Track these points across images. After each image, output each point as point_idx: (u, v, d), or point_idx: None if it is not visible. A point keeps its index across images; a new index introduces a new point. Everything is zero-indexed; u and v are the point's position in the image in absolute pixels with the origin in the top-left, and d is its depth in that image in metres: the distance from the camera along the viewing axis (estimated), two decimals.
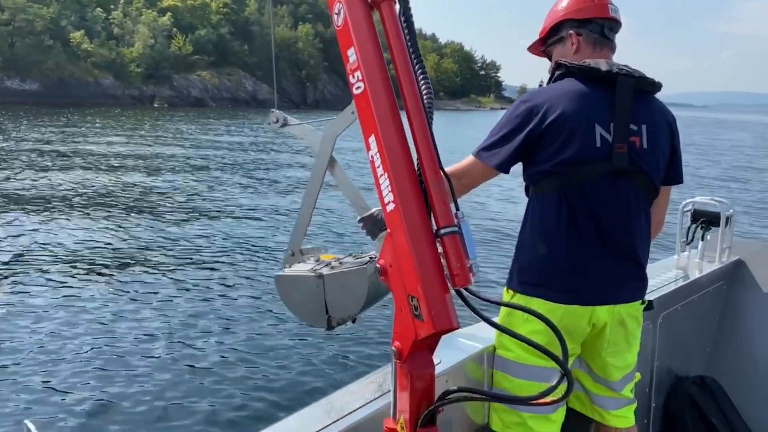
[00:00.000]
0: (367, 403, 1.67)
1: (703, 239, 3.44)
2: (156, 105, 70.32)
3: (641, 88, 1.92)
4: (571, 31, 2.03)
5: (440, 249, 1.40)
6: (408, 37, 1.53)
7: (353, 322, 1.95)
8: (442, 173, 1.44)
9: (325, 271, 1.92)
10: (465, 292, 1.35)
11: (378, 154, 1.46)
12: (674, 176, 2.06)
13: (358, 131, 1.54)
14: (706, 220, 3.46)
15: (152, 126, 38.50)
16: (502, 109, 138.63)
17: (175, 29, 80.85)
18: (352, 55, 1.55)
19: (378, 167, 1.46)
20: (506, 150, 1.91)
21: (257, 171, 19.75)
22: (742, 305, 3.49)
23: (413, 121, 1.46)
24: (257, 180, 17.75)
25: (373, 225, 1.95)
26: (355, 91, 1.53)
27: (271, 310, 6.99)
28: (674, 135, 2.03)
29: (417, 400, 1.41)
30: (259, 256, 9.64)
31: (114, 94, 69.46)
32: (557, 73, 1.99)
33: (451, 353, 1.96)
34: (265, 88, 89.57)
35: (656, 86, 1.95)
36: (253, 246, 10.23)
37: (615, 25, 2.03)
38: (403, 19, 1.53)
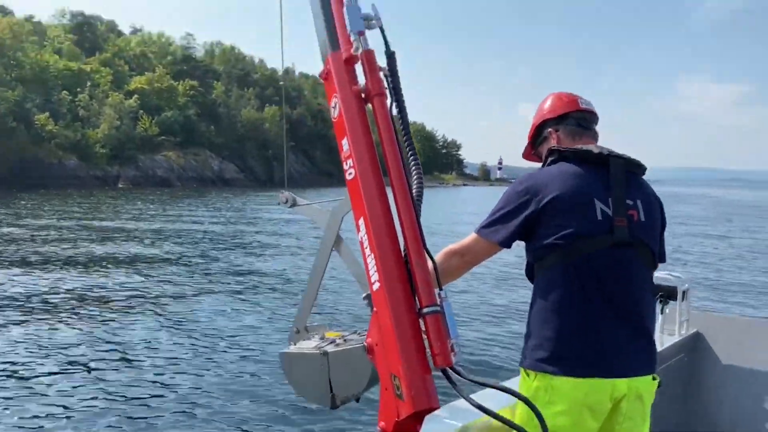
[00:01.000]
0: None
1: (662, 313, 3.52)
2: (121, 185, 69.83)
3: (630, 169, 2.06)
4: (550, 129, 2.23)
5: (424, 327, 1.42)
6: (402, 127, 1.65)
7: (357, 401, 1.94)
8: (426, 254, 1.51)
9: (330, 348, 1.94)
10: (450, 372, 1.35)
11: (366, 235, 1.56)
12: (659, 254, 2.13)
13: None
14: (663, 294, 3.54)
15: (113, 205, 38.15)
16: (464, 185, 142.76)
17: (141, 111, 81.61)
18: (345, 144, 1.68)
19: (366, 248, 1.56)
20: (507, 227, 1.99)
21: (235, 246, 19.65)
22: (704, 377, 3.56)
23: (400, 205, 1.53)
24: (235, 255, 17.66)
25: None
26: (348, 177, 1.66)
27: (273, 388, 6.93)
28: (663, 214, 2.16)
29: None
30: (262, 332, 9.49)
31: (78, 174, 68.82)
32: (550, 159, 2.12)
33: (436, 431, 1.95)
34: (232, 168, 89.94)
35: (642, 168, 2.11)
36: (255, 321, 10.13)
37: (589, 115, 2.22)
38: (397, 110, 1.66)
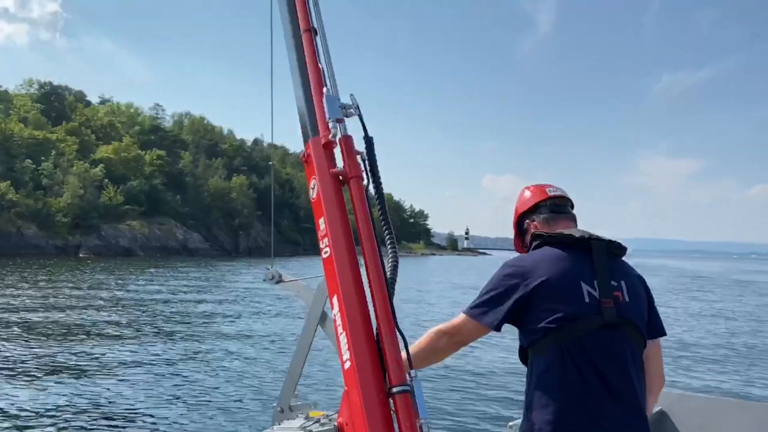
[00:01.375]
0: None
1: None
2: (82, 255, 68.25)
3: (612, 251, 2.13)
4: (527, 221, 2.35)
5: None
6: (379, 208, 1.72)
7: None
8: (398, 333, 1.54)
9: (315, 428, 1.93)
10: None
11: (339, 313, 1.58)
12: (658, 329, 2.19)
13: None
14: None
15: (69, 275, 37.05)
16: (432, 254, 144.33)
17: (106, 180, 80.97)
18: (322, 224, 1.73)
19: (339, 325, 1.57)
20: (497, 310, 2.03)
21: (196, 317, 19.14)
22: None
23: (373, 284, 1.57)
24: (195, 327, 17.16)
25: None
26: (323, 255, 1.70)
27: None
28: (648, 290, 2.20)
29: None
30: (236, 408, 9.10)
31: (37, 244, 67.19)
32: (534, 243, 2.21)
33: None
34: (197, 237, 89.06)
35: (623, 249, 2.18)
36: (227, 399, 9.74)
37: (560, 200, 2.33)
38: (375, 192, 1.74)
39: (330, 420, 1.97)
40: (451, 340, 2.08)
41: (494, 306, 2.04)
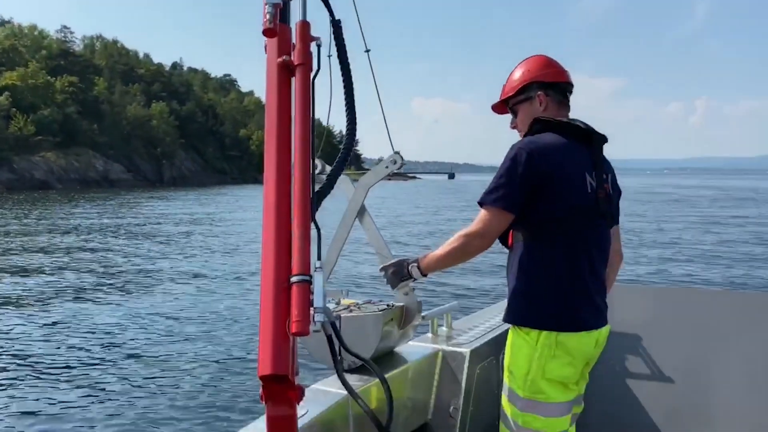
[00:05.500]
0: None
1: None
2: None
3: (603, 144, 2.24)
4: (539, 92, 2.23)
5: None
6: (345, 97, 1.70)
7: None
8: (313, 225, 1.52)
9: (344, 314, 2.08)
10: (334, 338, 1.41)
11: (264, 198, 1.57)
12: (617, 218, 2.34)
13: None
14: None
15: None
16: None
17: (14, 109, 75.71)
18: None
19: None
20: (513, 191, 2.02)
21: (134, 247, 18.75)
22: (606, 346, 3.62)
23: (297, 177, 1.53)
24: (135, 258, 16.87)
25: (394, 274, 2.17)
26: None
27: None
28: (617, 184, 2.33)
29: None
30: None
31: None
32: (536, 127, 2.17)
33: (316, 406, 1.92)
34: (118, 168, 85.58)
35: (606, 141, 2.24)
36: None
37: (571, 88, 2.30)
38: (343, 82, 1.69)
39: (360, 308, 2.09)
40: (482, 241, 2.07)
41: (510, 189, 2.03)
